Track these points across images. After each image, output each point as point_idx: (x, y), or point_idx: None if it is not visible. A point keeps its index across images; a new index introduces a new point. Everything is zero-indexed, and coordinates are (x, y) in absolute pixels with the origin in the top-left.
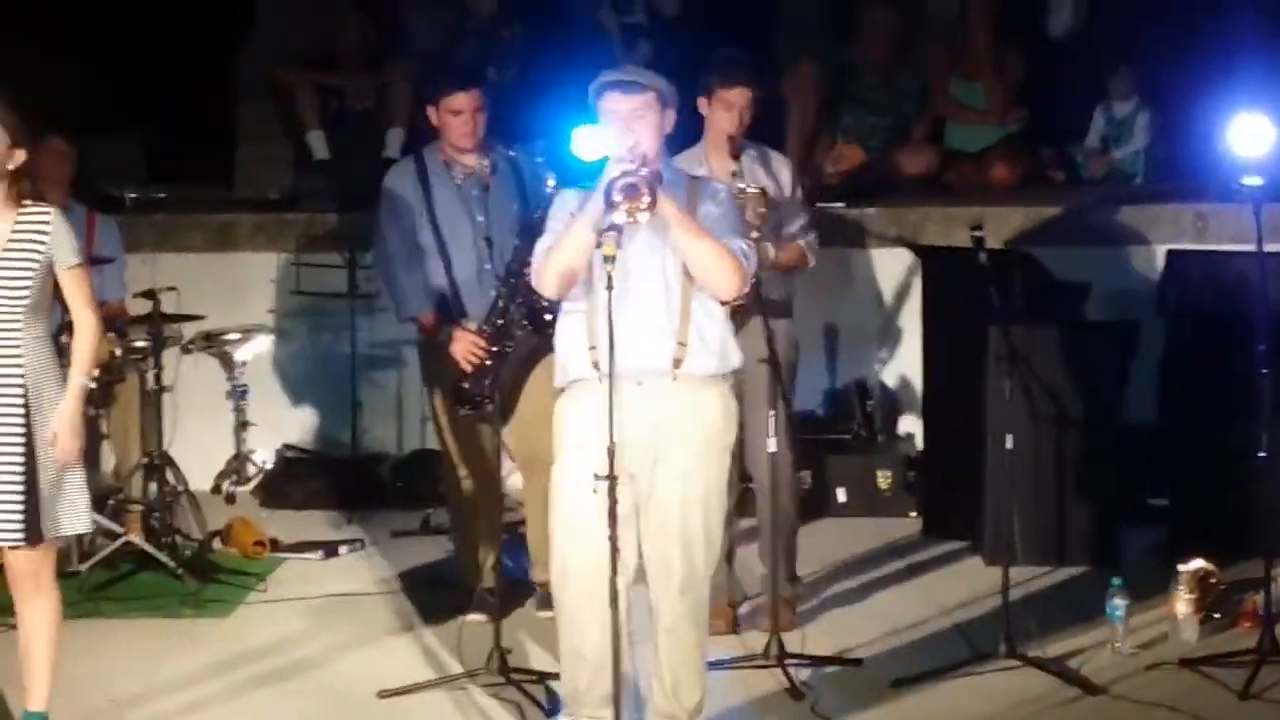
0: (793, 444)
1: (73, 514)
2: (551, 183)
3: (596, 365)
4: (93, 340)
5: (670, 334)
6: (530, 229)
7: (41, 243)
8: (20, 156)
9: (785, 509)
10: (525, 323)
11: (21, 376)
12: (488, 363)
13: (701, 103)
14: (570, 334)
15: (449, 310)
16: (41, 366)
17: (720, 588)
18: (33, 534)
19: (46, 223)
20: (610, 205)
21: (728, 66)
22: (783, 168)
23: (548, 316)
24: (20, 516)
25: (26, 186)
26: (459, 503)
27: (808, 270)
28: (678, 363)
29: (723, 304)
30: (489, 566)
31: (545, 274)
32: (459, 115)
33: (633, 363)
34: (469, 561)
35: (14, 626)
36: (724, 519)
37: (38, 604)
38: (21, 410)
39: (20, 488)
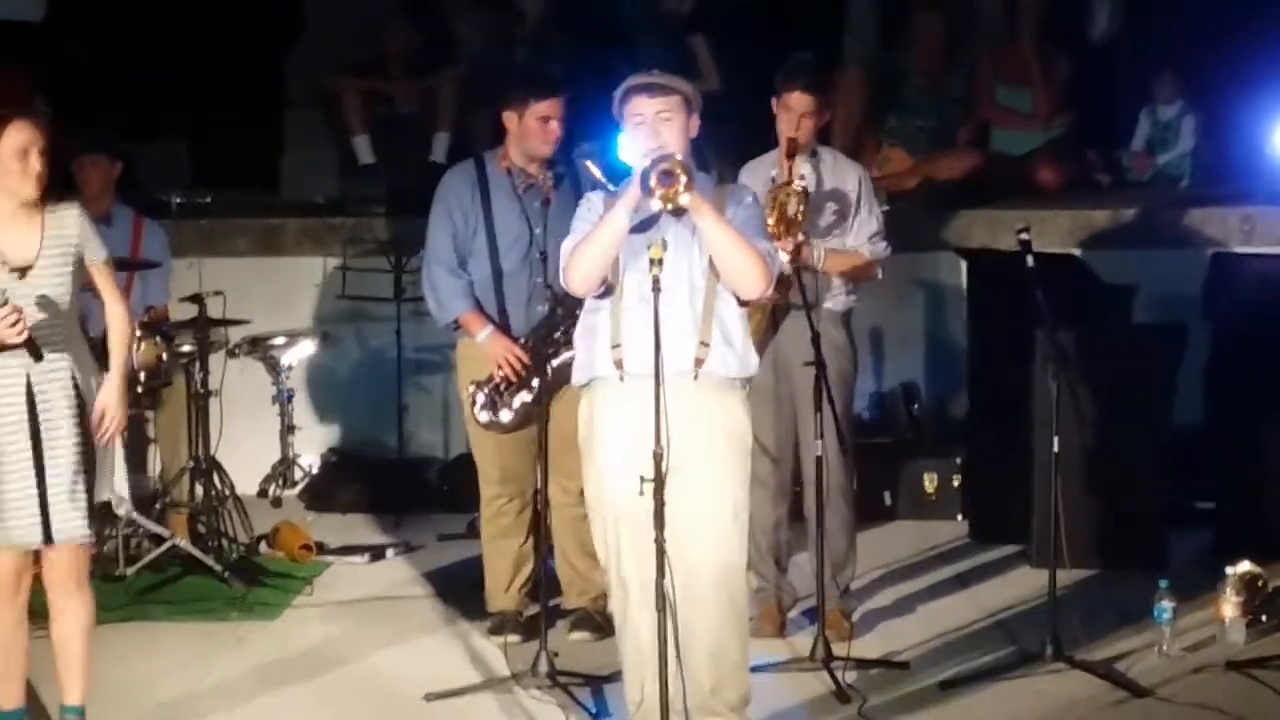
0: (846, 450)
1: (108, 481)
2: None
3: (619, 364)
4: (127, 329)
5: (693, 333)
6: None
7: (72, 240)
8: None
9: (839, 514)
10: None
11: (70, 374)
12: (524, 376)
13: (774, 104)
14: (594, 331)
15: (490, 317)
16: (84, 362)
17: (768, 591)
18: (95, 526)
19: (75, 219)
20: (646, 191)
21: (789, 70)
22: (850, 175)
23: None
24: (85, 513)
25: (53, 191)
26: (484, 517)
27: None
28: (699, 362)
29: (743, 304)
30: (515, 589)
31: (574, 270)
32: (546, 123)
33: (653, 361)
34: (492, 581)
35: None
36: (748, 517)
37: (77, 601)
38: (76, 406)
39: (85, 484)
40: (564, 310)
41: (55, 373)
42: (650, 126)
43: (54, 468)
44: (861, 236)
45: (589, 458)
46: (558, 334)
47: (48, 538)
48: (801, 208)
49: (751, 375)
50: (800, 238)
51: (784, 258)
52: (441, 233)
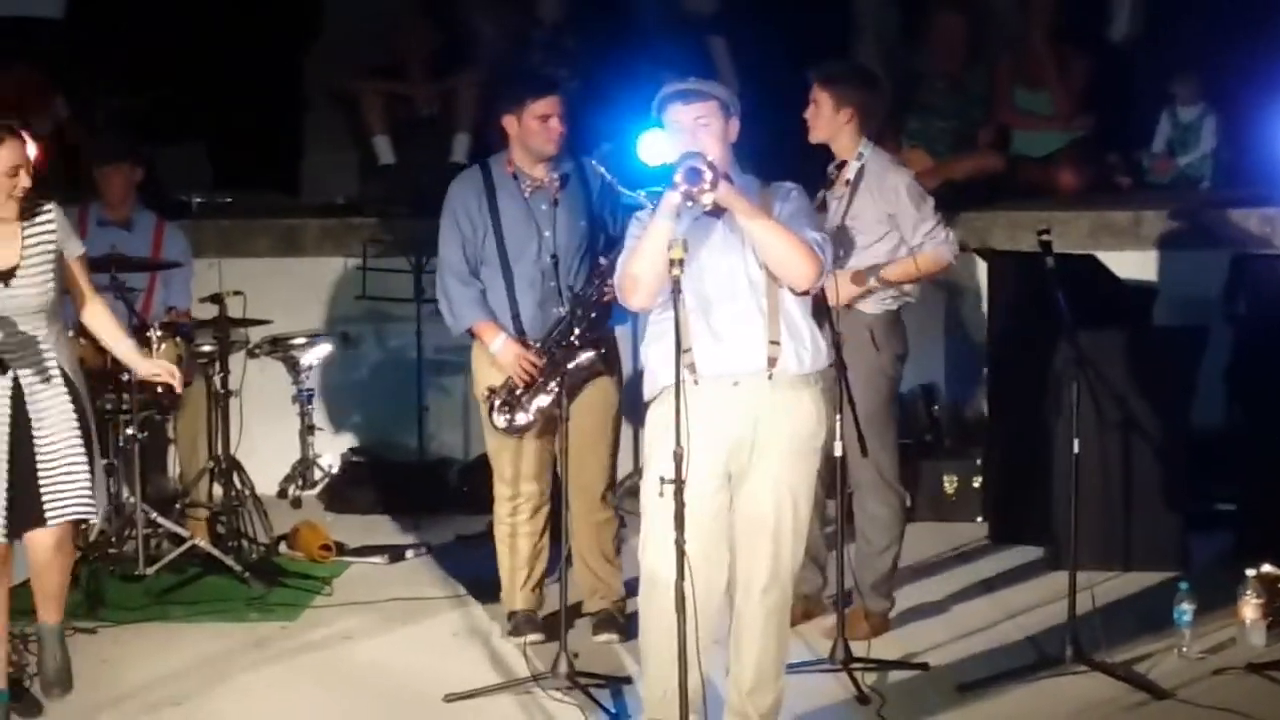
0: (865, 452)
1: (100, 493)
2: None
3: (692, 368)
4: (111, 317)
5: (762, 331)
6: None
7: (51, 239)
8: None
9: (867, 513)
10: (589, 346)
11: (59, 367)
12: (539, 380)
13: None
14: (662, 339)
15: (503, 324)
16: (70, 355)
17: (813, 594)
18: (93, 509)
19: (51, 219)
20: (673, 187)
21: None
22: (893, 177)
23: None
24: (86, 493)
25: (33, 195)
26: (498, 518)
27: (950, 269)
28: (772, 361)
29: (800, 294)
30: (530, 588)
31: (629, 286)
32: (545, 120)
33: (728, 364)
34: (507, 582)
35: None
36: (809, 519)
37: (59, 561)
38: (69, 397)
39: (85, 468)
40: (581, 312)
41: (45, 371)
42: (689, 133)
43: (49, 459)
44: (919, 235)
45: (653, 461)
46: (574, 336)
47: (12, 533)
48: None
49: (824, 367)
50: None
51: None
52: (451, 241)
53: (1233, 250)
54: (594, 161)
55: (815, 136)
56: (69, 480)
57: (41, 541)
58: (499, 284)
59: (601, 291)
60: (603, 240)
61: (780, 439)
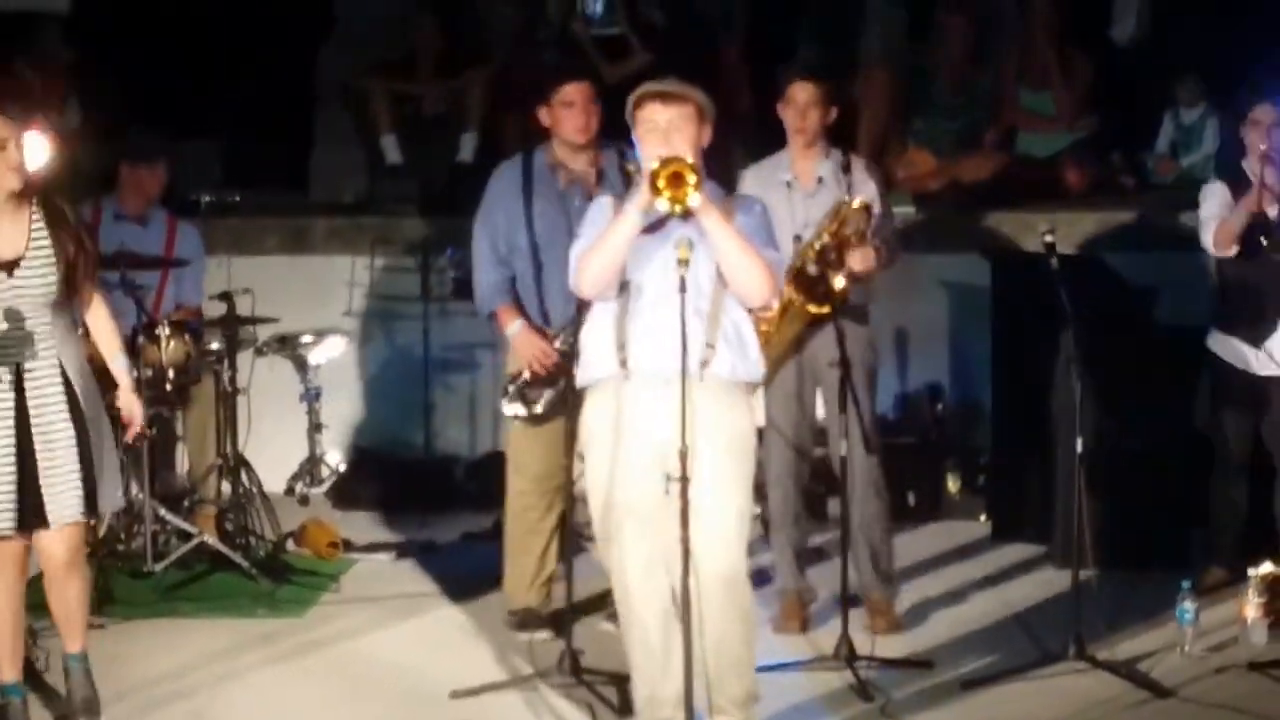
0: (873, 448)
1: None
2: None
3: (624, 364)
4: (112, 322)
5: (700, 335)
6: None
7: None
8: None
9: (872, 512)
10: None
11: (59, 364)
12: (553, 372)
13: (779, 107)
14: (599, 331)
15: (526, 311)
16: (75, 352)
17: (789, 587)
18: (92, 510)
19: (62, 211)
20: (656, 192)
21: (790, 66)
22: (861, 171)
23: None
24: (80, 494)
25: (37, 189)
26: (511, 512)
27: (891, 270)
28: (704, 364)
29: (748, 311)
30: (538, 586)
31: (585, 273)
32: (572, 107)
33: (661, 362)
34: (514, 577)
35: (89, 626)
36: (750, 517)
37: (74, 583)
38: (65, 396)
39: (77, 468)
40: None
41: (45, 365)
42: (661, 133)
43: (48, 458)
44: (881, 236)
45: (592, 453)
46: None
47: (23, 526)
48: (862, 227)
49: (758, 380)
50: (868, 254)
51: (845, 272)
52: (484, 230)
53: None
54: (625, 153)
55: (807, 139)
56: (65, 481)
57: (49, 549)
58: (529, 274)
59: None
60: None
61: (712, 438)
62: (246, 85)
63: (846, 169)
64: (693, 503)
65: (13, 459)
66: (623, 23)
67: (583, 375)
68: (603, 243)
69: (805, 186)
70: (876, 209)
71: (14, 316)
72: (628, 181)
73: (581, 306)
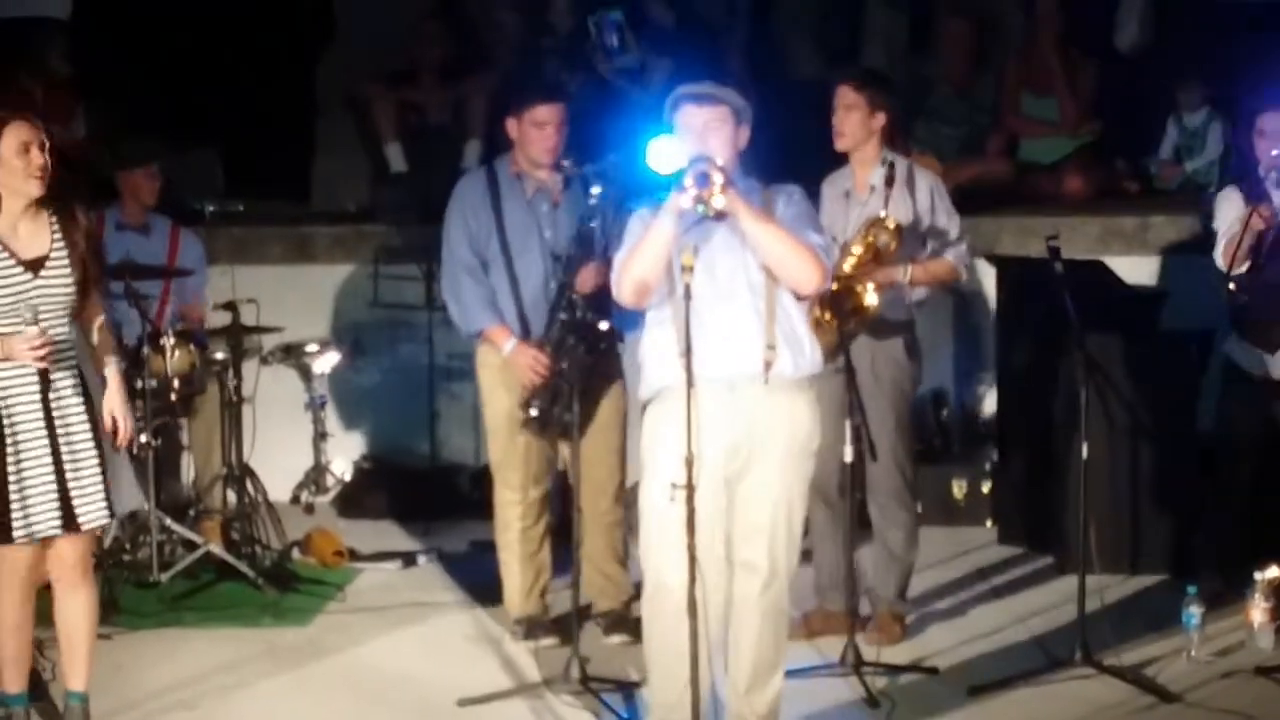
0: (876, 456)
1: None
2: (596, 192)
3: (689, 371)
4: (110, 335)
5: (759, 336)
6: (582, 240)
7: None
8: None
9: (892, 519)
10: (578, 341)
11: (78, 370)
12: (551, 379)
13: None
14: (659, 343)
15: (504, 321)
16: (85, 357)
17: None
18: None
19: (80, 216)
20: (681, 190)
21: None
22: (923, 182)
23: (602, 327)
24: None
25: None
26: (501, 523)
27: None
28: (768, 365)
29: (801, 299)
30: (536, 594)
31: (625, 281)
32: (542, 128)
33: (724, 367)
34: (511, 587)
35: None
36: (802, 522)
37: (82, 592)
38: (83, 400)
39: (99, 472)
40: (582, 311)
41: (66, 369)
42: (698, 135)
43: (72, 461)
44: (938, 241)
45: (651, 463)
46: (572, 339)
47: (67, 526)
48: (893, 244)
49: (818, 371)
50: (890, 273)
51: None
52: (459, 237)
53: None
54: (592, 174)
55: (845, 144)
56: (91, 484)
57: (62, 553)
58: (504, 283)
59: (571, 300)
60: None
61: (777, 443)
62: (249, 94)
63: (889, 182)
64: (753, 508)
65: (50, 462)
66: (634, 48)
67: (645, 388)
68: (639, 248)
69: (859, 195)
70: (925, 224)
71: (37, 316)
72: (570, 181)
73: (572, 310)
